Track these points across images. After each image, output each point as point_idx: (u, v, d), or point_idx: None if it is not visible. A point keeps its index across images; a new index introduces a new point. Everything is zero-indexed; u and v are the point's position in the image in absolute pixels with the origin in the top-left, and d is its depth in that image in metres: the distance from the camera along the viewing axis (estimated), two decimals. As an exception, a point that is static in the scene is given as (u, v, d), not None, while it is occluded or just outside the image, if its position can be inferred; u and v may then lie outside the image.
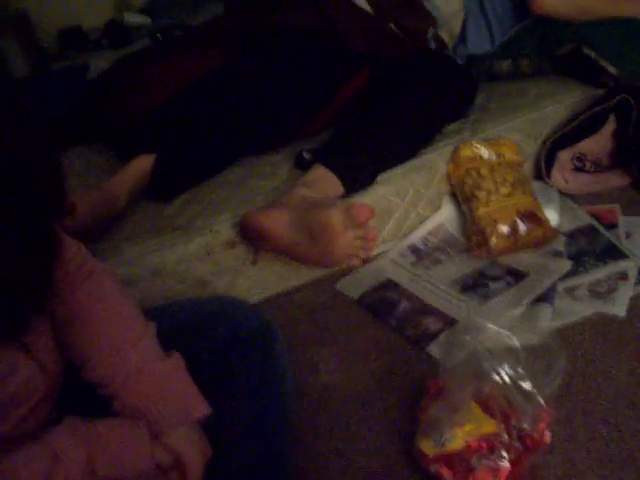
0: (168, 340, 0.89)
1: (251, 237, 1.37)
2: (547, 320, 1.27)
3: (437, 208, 1.59)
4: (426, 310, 1.35)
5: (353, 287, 1.45)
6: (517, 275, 1.41)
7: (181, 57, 1.79)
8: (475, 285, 1.40)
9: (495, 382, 1.01)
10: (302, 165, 1.56)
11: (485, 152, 1.56)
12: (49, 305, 0.82)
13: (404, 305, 1.38)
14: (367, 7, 1.77)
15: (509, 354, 1.03)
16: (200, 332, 0.95)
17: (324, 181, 1.45)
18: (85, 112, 1.90)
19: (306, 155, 1.58)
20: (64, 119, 2.02)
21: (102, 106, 1.80)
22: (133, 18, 3.17)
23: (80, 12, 3.32)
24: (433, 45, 1.80)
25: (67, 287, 0.86)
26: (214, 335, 0.93)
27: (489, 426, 0.99)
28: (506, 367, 1.01)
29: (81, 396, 0.83)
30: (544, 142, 1.69)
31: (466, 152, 1.55)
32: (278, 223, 1.30)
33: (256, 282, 1.46)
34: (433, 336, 1.28)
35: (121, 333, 0.86)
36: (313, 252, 1.35)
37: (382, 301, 1.40)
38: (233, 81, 1.62)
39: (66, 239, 0.87)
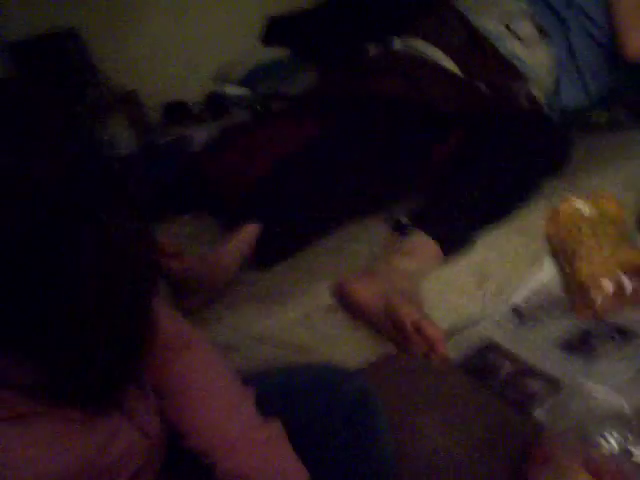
0: (268, 405, 0.91)
1: (346, 305, 1.39)
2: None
3: (538, 268, 1.56)
4: (530, 372, 1.32)
5: (455, 350, 1.43)
6: (626, 334, 1.36)
7: (279, 128, 1.86)
8: (581, 345, 1.36)
9: (605, 449, 0.97)
10: (400, 230, 1.58)
11: (585, 208, 1.53)
12: (148, 374, 0.86)
13: (507, 368, 1.35)
14: (455, 69, 1.79)
15: (619, 419, 1.00)
16: (299, 399, 0.96)
17: (422, 247, 1.46)
18: (189, 183, 2.00)
19: (403, 220, 1.60)
20: (170, 190, 2.13)
21: (206, 177, 1.89)
22: (233, 90, 3.32)
23: (183, 87, 3.51)
24: (525, 103, 1.80)
25: (165, 358, 0.89)
26: (313, 403, 0.95)
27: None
28: (615, 434, 0.97)
29: (186, 461, 0.86)
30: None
31: (565, 209, 1.53)
32: (368, 295, 1.31)
33: (357, 348, 1.47)
34: (538, 399, 1.25)
35: (220, 403, 0.89)
36: (389, 332, 1.32)
37: (485, 364, 1.37)
38: (329, 150, 1.67)
39: (163, 309, 0.91)
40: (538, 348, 1.38)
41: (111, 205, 0.59)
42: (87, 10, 3.36)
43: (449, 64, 1.82)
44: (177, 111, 3.34)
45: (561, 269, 1.53)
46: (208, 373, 0.92)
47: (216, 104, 3.17)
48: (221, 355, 0.96)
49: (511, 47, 1.83)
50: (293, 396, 0.98)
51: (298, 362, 1.40)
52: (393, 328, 1.24)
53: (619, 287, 1.41)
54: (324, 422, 0.94)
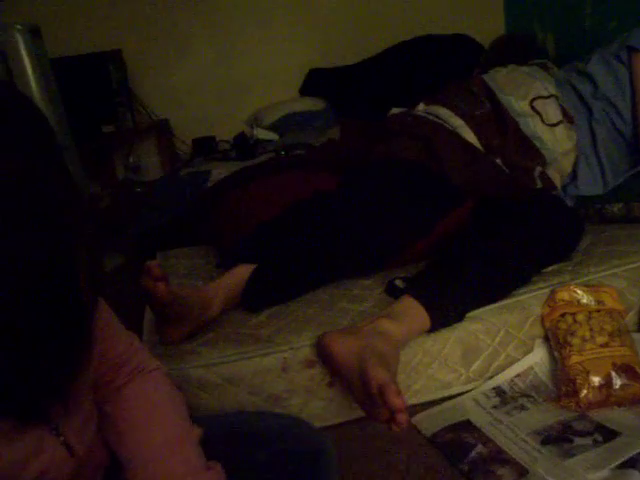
0: (214, 447, 0.88)
1: (323, 358, 1.36)
2: (632, 489, 1.16)
3: (528, 351, 1.52)
4: (501, 458, 1.27)
5: (428, 423, 1.40)
6: (607, 433, 1.30)
7: (293, 177, 1.87)
8: (558, 438, 1.31)
9: None
10: (393, 293, 1.55)
11: (584, 297, 1.49)
12: (96, 393, 0.84)
13: (479, 449, 1.30)
14: (474, 140, 1.79)
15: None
16: (247, 446, 0.93)
17: (411, 313, 1.42)
18: (196, 217, 2.01)
19: (398, 283, 1.57)
20: (179, 221, 2.14)
21: (212, 213, 1.90)
22: (262, 134, 3.36)
23: (215, 123, 3.58)
24: (540, 184, 1.78)
25: (111, 383, 0.88)
26: (259, 453, 0.92)
27: None
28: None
29: None
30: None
31: (563, 295, 1.49)
32: (345, 351, 1.28)
33: (330, 406, 1.43)
34: (504, 488, 1.20)
35: (165, 437, 0.86)
36: (359, 393, 1.26)
37: (456, 442, 1.33)
38: (337, 205, 1.67)
39: (119, 334, 0.90)
40: (514, 434, 1.33)
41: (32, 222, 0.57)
42: (134, 34, 3.46)
43: (469, 135, 1.82)
44: (205, 145, 3.39)
45: (551, 354, 1.49)
46: (158, 403, 0.90)
47: (243, 145, 3.21)
48: (175, 390, 0.94)
49: (534, 127, 1.83)
50: (242, 442, 0.95)
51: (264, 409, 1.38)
52: (362, 388, 1.20)
53: (607, 382, 1.36)
54: (266, 475, 0.91)
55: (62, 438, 0.74)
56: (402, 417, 1.09)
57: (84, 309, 0.64)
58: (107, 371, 0.87)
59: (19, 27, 2.47)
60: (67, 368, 0.66)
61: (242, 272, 1.54)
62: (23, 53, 2.51)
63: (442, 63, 3.26)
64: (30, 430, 0.70)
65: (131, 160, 3.64)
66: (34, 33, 2.53)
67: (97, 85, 3.26)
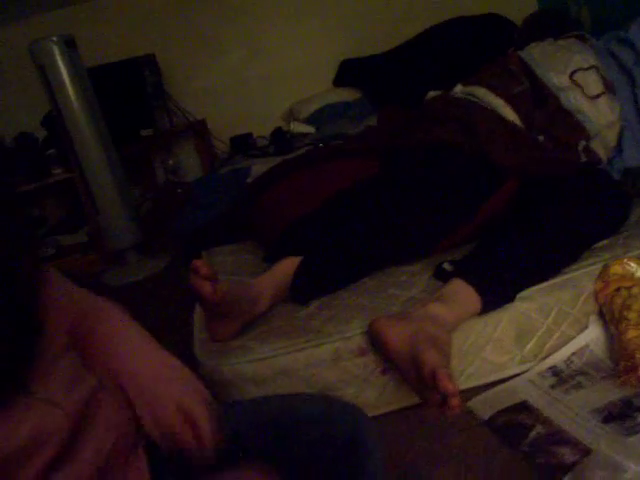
0: (259, 437, 0.91)
1: (376, 345, 1.36)
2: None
3: (583, 328, 1.49)
4: (562, 438, 1.25)
5: (484, 407, 1.38)
6: (671, 408, 1.27)
7: (332, 166, 1.86)
8: (620, 416, 1.28)
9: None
10: (442, 276, 1.54)
11: (638, 270, 1.46)
12: (84, 352, 0.89)
13: (538, 430, 1.28)
14: (516, 118, 1.76)
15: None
16: (289, 434, 0.93)
17: (461, 296, 1.40)
18: (239, 213, 2.02)
19: (447, 266, 1.56)
20: (222, 219, 2.15)
21: (254, 208, 1.90)
22: (299, 127, 3.37)
23: (251, 120, 3.59)
24: (584, 158, 1.74)
25: (88, 326, 0.92)
26: (300, 440, 0.91)
27: None
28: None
29: None
30: None
31: (616, 269, 1.46)
32: (397, 336, 1.27)
33: (384, 393, 1.43)
34: (568, 468, 1.18)
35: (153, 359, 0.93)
36: (412, 379, 1.25)
37: (514, 424, 1.31)
38: (380, 192, 1.66)
39: (74, 288, 0.97)
40: (574, 413, 1.31)
41: None
42: (166, 38, 3.49)
43: (509, 113, 1.79)
44: (243, 143, 3.41)
45: (606, 330, 1.46)
46: (131, 332, 0.96)
47: (281, 140, 3.22)
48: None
49: (575, 100, 1.79)
50: (284, 430, 0.94)
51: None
52: (415, 373, 1.19)
53: (667, 357, 1.33)
54: (310, 462, 0.90)
55: (46, 398, 0.76)
56: (455, 401, 1.08)
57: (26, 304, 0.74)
58: (82, 319, 0.92)
59: (54, 39, 2.52)
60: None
61: (288, 265, 1.54)
62: (60, 65, 2.56)
63: (476, 43, 3.22)
64: (9, 402, 0.72)
65: (170, 162, 3.68)
66: (69, 44, 2.57)
67: (133, 90, 3.30)
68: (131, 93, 3.31)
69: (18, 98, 3.43)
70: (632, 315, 1.39)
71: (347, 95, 3.53)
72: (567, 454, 1.21)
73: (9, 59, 3.34)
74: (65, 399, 0.78)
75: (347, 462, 0.90)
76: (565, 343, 1.48)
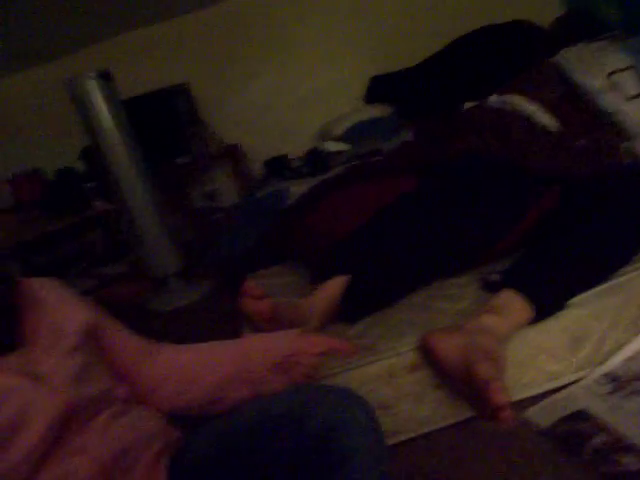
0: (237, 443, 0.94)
1: (429, 359, 1.35)
2: None
3: (638, 332, 1.47)
4: (625, 446, 1.23)
5: (542, 416, 1.36)
6: None
7: (374, 183, 1.87)
8: (684, 421, 1.26)
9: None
10: (490, 287, 1.53)
11: (691, 271, 1.44)
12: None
13: (600, 438, 1.26)
14: (554, 125, 1.75)
15: None
16: (267, 436, 0.93)
17: (513, 306, 1.39)
18: (281, 235, 2.03)
19: (494, 277, 1.55)
20: (265, 241, 2.17)
21: (297, 229, 1.91)
22: (333, 146, 3.38)
23: (285, 142, 3.63)
24: (628, 159, 1.72)
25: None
26: (279, 439, 0.91)
27: None
28: None
29: None
30: None
31: (669, 271, 1.44)
32: (450, 349, 1.27)
33: (439, 409, 1.42)
34: (632, 476, 1.16)
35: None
36: (466, 391, 1.25)
37: (574, 432, 1.29)
38: (422, 206, 1.66)
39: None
40: (635, 419, 1.29)
41: None
42: (198, 65, 3.55)
43: (547, 119, 1.78)
44: (278, 165, 3.43)
45: (663, 334, 1.43)
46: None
47: (316, 159, 3.23)
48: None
49: (614, 101, 1.78)
50: (262, 432, 0.94)
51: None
52: (468, 386, 1.19)
53: None
54: (286, 459, 0.90)
55: (30, 372, 0.81)
56: (505, 414, 1.07)
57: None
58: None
59: (91, 75, 2.58)
60: None
61: (336, 285, 1.54)
62: (98, 99, 2.62)
63: (504, 51, 3.21)
64: None
65: (206, 188, 3.72)
66: (105, 78, 2.63)
67: (168, 119, 3.36)
68: (166, 122, 3.36)
69: (56, 134, 3.51)
70: (688, 316, 1.37)
71: (378, 111, 3.53)
72: (631, 462, 1.19)
73: (47, 96, 3.43)
74: (69, 389, 0.85)
75: (319, 455, 0.87)
76: (620, 348, 1.46)
